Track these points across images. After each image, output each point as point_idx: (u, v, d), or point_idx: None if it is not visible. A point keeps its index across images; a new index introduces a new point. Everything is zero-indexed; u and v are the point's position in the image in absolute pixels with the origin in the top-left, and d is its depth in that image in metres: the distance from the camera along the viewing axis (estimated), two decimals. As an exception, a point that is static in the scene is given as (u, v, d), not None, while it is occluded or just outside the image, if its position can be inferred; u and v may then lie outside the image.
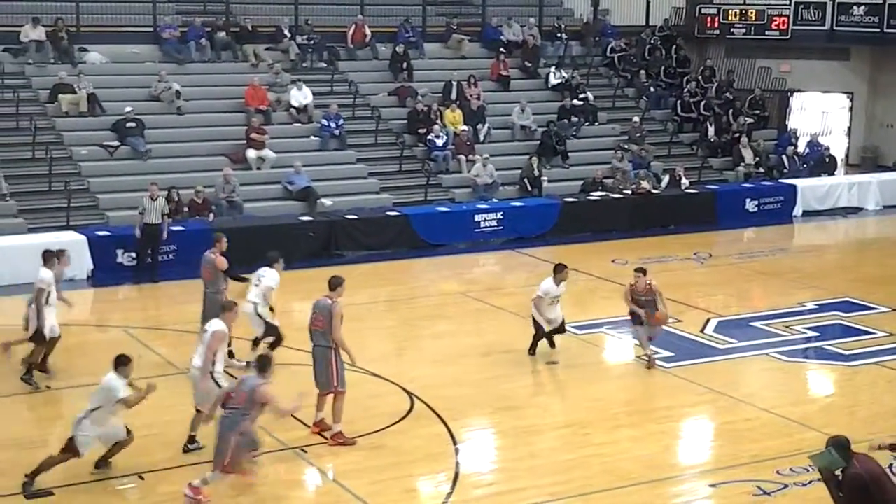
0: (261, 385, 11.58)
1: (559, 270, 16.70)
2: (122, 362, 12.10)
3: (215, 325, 12.96)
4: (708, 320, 18.75)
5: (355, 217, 23.89)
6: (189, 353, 15.89)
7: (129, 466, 12.47)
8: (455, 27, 31.71)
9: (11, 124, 24.40)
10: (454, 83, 28.96)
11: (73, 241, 21.01)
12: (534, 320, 16.59)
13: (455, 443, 13.49)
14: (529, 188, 26.80)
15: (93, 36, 27.60)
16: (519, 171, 27.17)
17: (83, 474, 12.21)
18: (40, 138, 24.11)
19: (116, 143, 24.71)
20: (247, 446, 11.56)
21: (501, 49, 31.10)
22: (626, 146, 28.89)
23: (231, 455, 11.34)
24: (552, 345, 16.74)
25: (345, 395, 13.34)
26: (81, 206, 22.99)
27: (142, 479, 12.27)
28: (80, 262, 20.88)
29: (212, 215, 22.92)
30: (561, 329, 16.79)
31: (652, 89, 32.01)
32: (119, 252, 21.31)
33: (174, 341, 17.55)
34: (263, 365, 11.85)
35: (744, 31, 33.83)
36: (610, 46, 32.95)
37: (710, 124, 30.80)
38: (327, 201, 24.56)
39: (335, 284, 13.67)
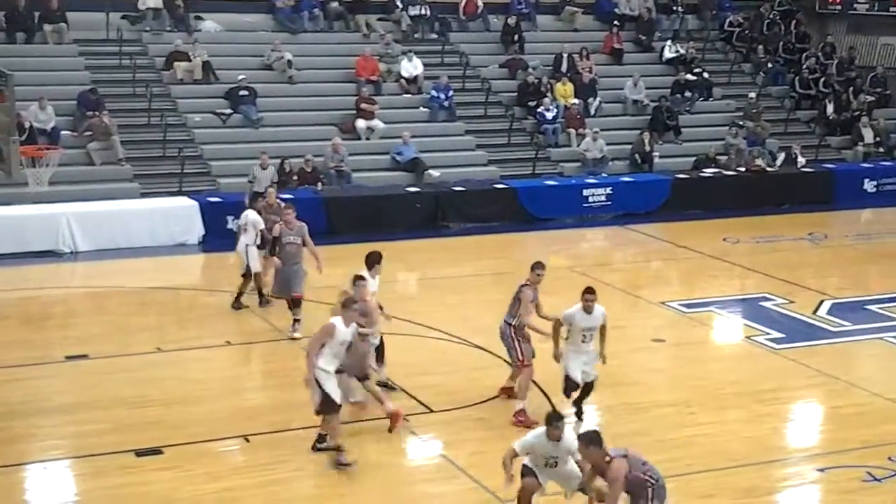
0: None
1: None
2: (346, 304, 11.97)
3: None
4: (821, 302, 18.25)
5: (462, 189, 23.81)
6: (291, 319, 15.97)
7: (235, 429, 12.61)
8: (568, -1, 31.34)
9: (128, 91, 24.82)
10: (565, 56, 28.62)
11: (185, 207, 21.41)
12: None
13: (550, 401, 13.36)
14: (640, 163, 26.40)
15: (208, 4, 27.89)
16: (629, 147, 26.78)
17: (195, 434, 12.39)
18: (155, 105, 24.49)
19: (229, 110, 24.99)
20: None
21: (615, 22, 30.62)
22: (740, 123, 28.27)
23: None
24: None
25: (531, 370, 13.20)
26: (194, 173, 23.33)
27: (247, 441, 12.39)
28: (192, 227, 21.25)
29: (320, 184, 23.04)
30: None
31: (769, 65, 31.22)
32: (229, 218, 21.50)
33: (278, 307, 17.69)
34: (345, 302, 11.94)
35: (867, 6, 32.75)
36: (727, 20, 32.22)
37: (829, 102, 29.95)
38: (435, 173, 24.52)
39: None
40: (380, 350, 13.82)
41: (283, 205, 17.14)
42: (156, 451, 11.99)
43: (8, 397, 13.56)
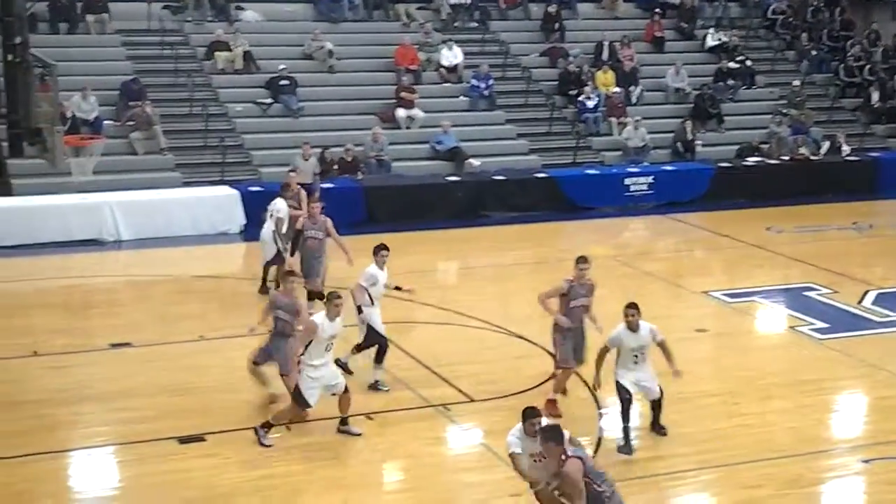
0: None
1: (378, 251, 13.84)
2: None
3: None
4: (866, 292, 18.03)
5: (503, 178, 23.74)
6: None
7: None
8: (597, -13, 31.16)
9: (170, 80, 24.94)
10: (606, 44, 28.46)
11: (226, 196, 21.49)
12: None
13: (599, 407, 13.27)
14: (682, 152, 26.20)
15: (249, -6, 28.03)
16: (671, 135, 26.59)
17: (237, 422, 12.44)
18: (197, 95, 24.60)
19: (270, 100, 25.04)
20: None
21: (657, 10, 30.40)
22: (784, 111, 27.98)
23: None
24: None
25: (569, 371, 13.09)
26: (235, 162, 23.41)
27: (288, 429, 12.41)
28: (233, 216, 21.32)
29: (360, 174, 23.05)
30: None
31: (813, 52, 30.87)
32: (270, 207, 21.60)
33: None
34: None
35: (913, -8, 32.33)
36: (771, 8, 31.89)
37: (874, 90, 29.56)
38: (475, 162, 24.45)
39: None
40: (379, 351, 13.73)
41: (303, 192, 17.08)
42: (198, 439, 12.06)
43: (52, 384, 13.68)
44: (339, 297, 12.10)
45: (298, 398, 11.84)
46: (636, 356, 12.04)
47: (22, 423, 12.39)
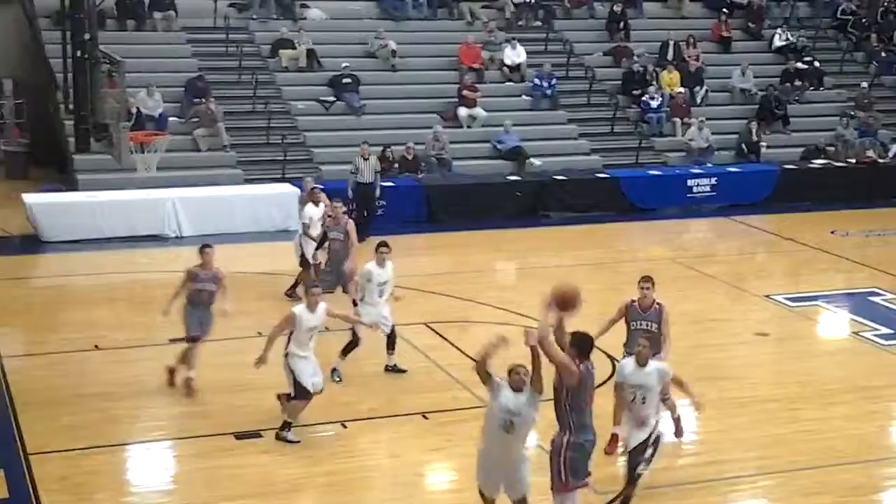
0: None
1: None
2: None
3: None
4: (933, 298, 17.71)
5: (564, 178, 23.63)
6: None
7: (333, 415, 12.68)
8: (676, -14, 30.87)
9: (234, 78, 25.12)
10: (671, 43, 28.21)
11: (288, 194, 21.56)
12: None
13: (657, 411, 13.12)
14: (746, 154, 25.89)
15: (314, -8, 28.16)
16: (736, 136, 26.29)
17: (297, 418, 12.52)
18: (260, 92, 24.76)
19: (332, 98, 25.14)
20: None
21: (724, 9, 30.07)
22: (852, 113, 27.53)
23: None
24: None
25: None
26: (297, 160, 23.52)
27: (344, 427, 12.45)
28: (294, 213, 21.37)
29: (421, 173, 23.06)
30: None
31: (883, 54, 30.34)
32: (331, 204, 21.67)
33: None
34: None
35: None
36: (840, 8, 31.38)
37: (945, 92, 29.02)
38: (536, 161, 24.36)
39: None
40: (390, 337, 13.91)
41: (327, 198, 16.88)
42: (255, 435, 12.13)
43: (113, 378, 13.83)
44: (317, 287, 12.33)
45: (299, 389, 11.92)
46: (635, 394, 10.69)
47: (83, 416, 12.54)
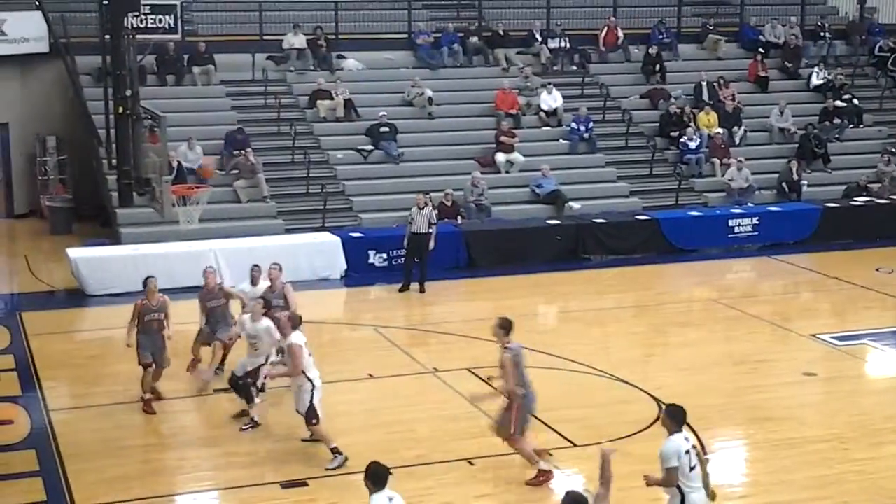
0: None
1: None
2: None
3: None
4: (983, 335, 17.43)
5: (603, 221, 23.57)
6: (434, 353, 16.15)
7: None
8: (711, 27, 30.88)
9: (273, 129, 25.37)
10: (704, 84, 28.20)
11: (328, 243, 21.69)
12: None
13: (705, 452, 12.97)
14: (787, 192, 25.74)
15: (350, 43, 28.39)
16: (776, 176, 26.16)
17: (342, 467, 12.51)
18: (299, 143, 24.98)
19: (370, 147, 25.30)
20: None
21: (760, 49, 30.06)
22: (893, 150, 27.33)
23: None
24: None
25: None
26: (336, 209, 23.65)
27: (390, 474, 12.37)
28: (334, 262, 21.51)
29: (460, 218, 23.09)
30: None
31: (922, 90, 30.18)
32: (371, 253, 21.76)
33: (421, 341, 17.77)
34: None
35: None
36: (878, 45, 31.26)
37: None
38: (575, 205, 24.34)
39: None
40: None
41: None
42: (301, 484, 12.11)
43: (158, 430, 13.90)
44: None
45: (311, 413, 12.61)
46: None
47: (130, 467, 12.59)
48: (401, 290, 20.41)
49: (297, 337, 12.57)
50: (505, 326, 12.16)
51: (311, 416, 12.53)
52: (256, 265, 15.77)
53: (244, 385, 13.69)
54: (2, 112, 25.80)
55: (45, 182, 26.13)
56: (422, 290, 20.40)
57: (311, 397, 12.51)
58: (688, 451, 9.62)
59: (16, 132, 26.25)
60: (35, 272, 21.76)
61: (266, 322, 13.68)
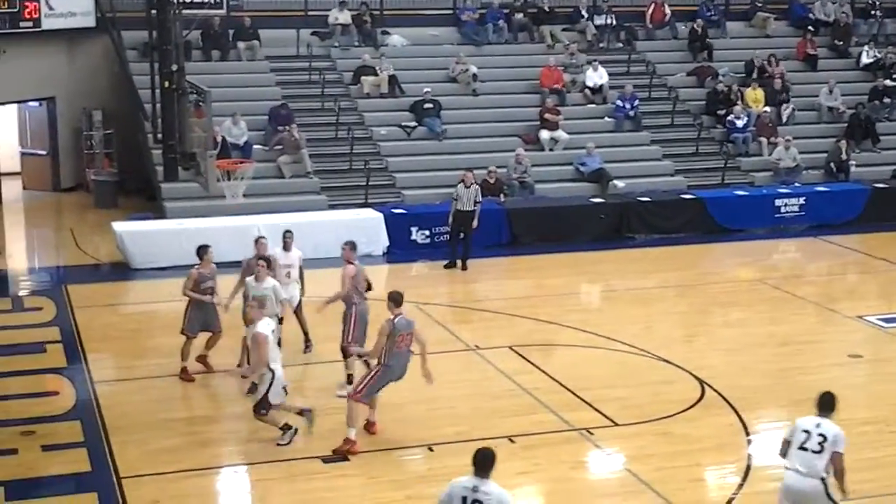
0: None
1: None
2: None
3: None
4: None
5: (648, 200, 23.39)
6: (476, 330, 16.12)
7: (419, 438, 12.66)
8: (760, 5, 30.50)
9: (317, 105, 25.35)
10: (756, 62, 27.87)
11: (371, 219, 21.67)
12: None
13: (748, 434, 12.93)
14: (835, 173, 25.42)
15: (395, 19, 28.28)
16: (824, 155, 25.82)
17: (381, 442, 12.54)
18: (343, 119, 24.96)
19: (414, 123, 25.24)
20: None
21: (809, 27, 29.66)
22: (943, 129, 26.94)
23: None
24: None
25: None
26: (379, 185, 23.63)
27: (431, 450, 12.42)
28: (377, 238, 21.50)
29: (503, 196, 23.00)
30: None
31: (975, 69, 29.65)
32: (413, 230, 21.74)
33: (463, 318, 17.74)
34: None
35: None
36: (929, 23, 30.79)
37: None
38: (620, 183, 24.16)
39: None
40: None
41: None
42: (342, 458, 12.14)
43: (201, 402, 14.00)
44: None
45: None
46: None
47: (174, 440, 12.68)
48: (447, 267, 20.39)
49: (263, 326, 12.45)
50: (394, 299, 12.51)
51: (260, 406, 12.37)
52: (289, 231, 16.01)
53: None
54: (49, 86, 25.96)
55: (90, 156, 26.31)
56: (464, 268, 20.37)
57: (268, 389, 12.33)
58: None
59: (62, 106, 26.43)
60: (81, 245, 21.92)
61: (271, 282, 14.16)
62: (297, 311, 15.59)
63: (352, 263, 14.47)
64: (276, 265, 15.15)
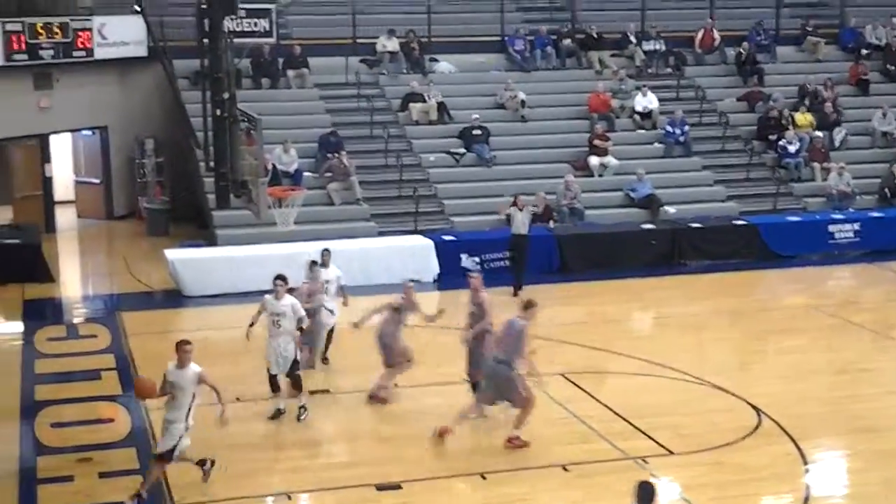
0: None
1: None
2: None
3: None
4: None
5: (700, 226, 23.22)
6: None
7: (471, 466, 12.56)
8: (811, 29, 30.30)
9: (366, 132, 25.45)
10: (808, 87, 27.65)
11: (421, 246, 21.68)
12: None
13: (805, 463, 12.74)
14: (890, 198, 25.09)
15: (442, 46, 28.37)
16: (878, 180, 25.52)
17: (433, 470, 12.48)
18: (392, 146, 25.03)
19: (462, 150, 25.25)
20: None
21: (861, 51, 29.40)
22: None
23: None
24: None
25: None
26: (428, 212, 23.64)
27: (483, 478, 12.33)
28: (428, 265, 21.50)
29: (553, 222, 22.92)
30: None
31: None
32: (463, 256, 21.71)
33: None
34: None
35: None
36: (983, 47, 30.38)
37: None
38: (671, 209, 24.02)
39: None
40: None
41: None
42: (395, 486, 12.09)
43: (255, 430, 13.98)
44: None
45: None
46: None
47: (228, 467, 12.66)
48: (515, 294, 20.06)
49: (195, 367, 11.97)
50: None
51: (167, 456, 11.78)
52: (327, 249, 16.68)
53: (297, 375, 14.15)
54: (101, 115, 26.28)
55: (143, 184, 26.57)
56: (515, 294, 20.27)
57: (179, 440, 11.83)
58: None
59: (115, 135, 26.73)
60: (134, 273, 22.11)
61: (290, 299, 14.19)
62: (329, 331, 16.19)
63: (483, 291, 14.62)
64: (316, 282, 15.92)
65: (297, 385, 14.14)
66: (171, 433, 11.79)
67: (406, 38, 27.71)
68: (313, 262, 16.09)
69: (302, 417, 14.04)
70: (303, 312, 14.29)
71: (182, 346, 11.91)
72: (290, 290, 14.58)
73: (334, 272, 16.44)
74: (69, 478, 12.30)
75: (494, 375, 13.17)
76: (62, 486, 12.12)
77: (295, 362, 14.09)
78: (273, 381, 14.15)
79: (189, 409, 11.82)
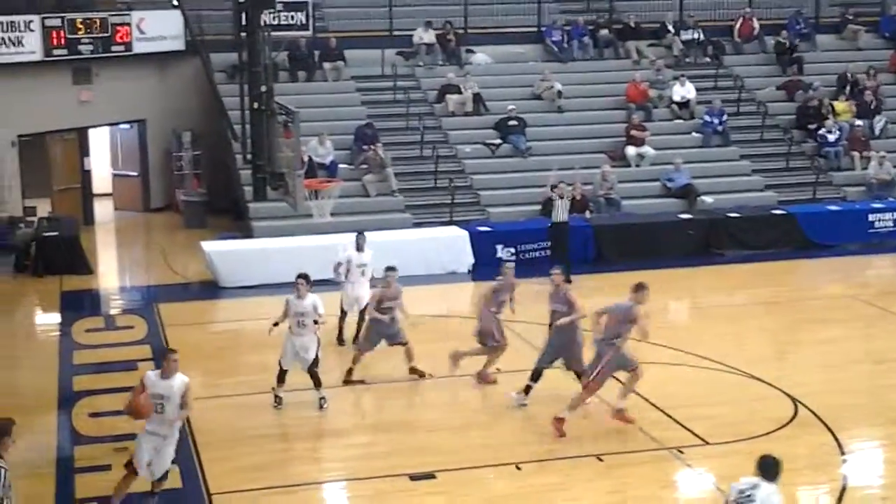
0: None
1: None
2: None
3: None
4: None
5: (738, 215, 23.07)
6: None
7: (506, 456, 12.56)
8: (851, 17, 29.98)
9: (402, 124, 25.47)
10: (848, 75, 27.36)
11: (456, 237, 21.69)
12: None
13: (843, 453, 12.63)
14: (930, 187, 24.84)
15: (479, 37, 28.33)
16: (919, 169, 25.26)
17: (467, 460, 12.46)
18: (428, 137, 25.03)
19: (498, 141, 25.21)
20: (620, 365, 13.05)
21: (901, 38, 29.12)
22: None
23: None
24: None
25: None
26: (464, 203, 23.64)
27: (518, 469, 12.32)
28: (463, 256, 21.50)
29: (589, 212, 22.84)
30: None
31: None
32: (499, 247, 21.67)
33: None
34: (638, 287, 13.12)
35: None
36: None
37: None
38: (708, 199, 23.87)
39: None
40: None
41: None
42: (429, 476, 12.11)
43: (289, 420, 14.05)
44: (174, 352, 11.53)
45: None
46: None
47: (262, 456, 12.75)
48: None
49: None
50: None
51: (163, 478, 11.32)
52: (361, 232, 16.93)
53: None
54: (140, 109, 26.47)
55: (180, 177, 26.74)
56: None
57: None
58: None
59: (153, 128, 26.92)
60: (171, 265, 22.28)
61: (312, 297, 14.06)
62: (363, 310, 16.12)
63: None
64: (351, 266, 16.37)
65: (316, 381, 14.10)
66: (162, 456, 11.17)
67: (442, 30, 27.69)
68: (389, 268, 15.42)
69: (324, 406, 14.06)
70: (323, 310, 14.09)
71: (169, 356, 11.27)
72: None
73: (369, 255, 16.69)
74: (106, 467, 12.39)
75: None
76: (99, 475, 12.22)
77: (315, 360, 14.03)
78: (282, 374, 14.13)
79: (177, 422, 11.22)
